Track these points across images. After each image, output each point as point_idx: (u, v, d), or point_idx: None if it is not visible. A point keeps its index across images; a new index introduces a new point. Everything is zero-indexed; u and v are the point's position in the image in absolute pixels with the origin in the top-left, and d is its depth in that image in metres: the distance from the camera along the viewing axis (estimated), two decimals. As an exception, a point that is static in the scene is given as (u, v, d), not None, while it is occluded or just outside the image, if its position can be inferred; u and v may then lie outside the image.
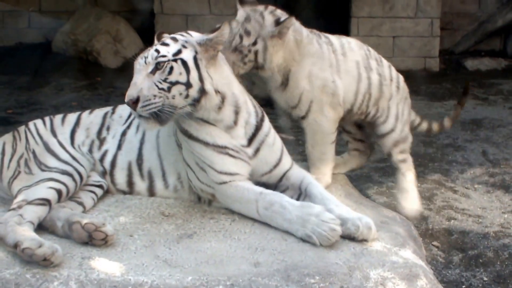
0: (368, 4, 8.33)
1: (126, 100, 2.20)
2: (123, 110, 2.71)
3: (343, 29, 8.28)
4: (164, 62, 2.21)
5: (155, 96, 2.19)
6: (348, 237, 2.23)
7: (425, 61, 8.47)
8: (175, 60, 2.23)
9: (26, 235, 2.06)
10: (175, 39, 2.31)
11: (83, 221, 2.16)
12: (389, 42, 8.39)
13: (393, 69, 3.09)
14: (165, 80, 2.21)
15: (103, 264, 2.05)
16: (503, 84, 7.93)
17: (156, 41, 2.40)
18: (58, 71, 8.03)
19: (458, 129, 6.15)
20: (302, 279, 1.98)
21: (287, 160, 2.53)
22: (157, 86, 2.20)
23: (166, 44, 2.28)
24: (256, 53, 2.58)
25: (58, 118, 2.72)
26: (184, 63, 2.23)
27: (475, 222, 4.07)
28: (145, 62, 2.22)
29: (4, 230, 2.10)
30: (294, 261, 2.09)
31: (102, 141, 2.63)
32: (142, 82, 2.20)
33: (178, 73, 2.22)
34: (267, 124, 2.49)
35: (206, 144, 2.36)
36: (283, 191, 2.49)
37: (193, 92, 2.25)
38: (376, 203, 3.14)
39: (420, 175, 4.95)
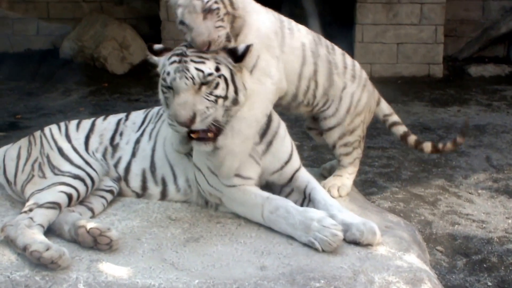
0: (373, 11, 8.36)
1: (181, 120, 2.20)
2: (136, 116, 2.78)
3: (347, 36, 8.33)
4: (211, 79, 2.26)
5: (208, 108, 2.25)
6: (353, 242, 2.25)
7: (429, 67, 8.49)
8: (219, 76, 2.29)
9: (35, 238, 2.09)
10: (203, 57, 2.30)
11: (88, 225, 2.19)
12: (393, 49, 8.42)
13: (347, 56, 2.92)
14: (211, 94, 2.27)
15: (111, 267, 2.08)
16: (506, 91, 7.94)
17: (149, 54, 2.42)
18: (66, 77, 8.11)
19: (462, 135, 6.16)
20: (308, 283, 2.00)
21: (296, 159, 2.57)
22: (206, 99, 2.26)
23: (202, 62, 2.28)
24: (222, 1, 2.37)
25: (73, 123, 2.77)
26: (225, 79, 2.31)
27: (479, 227, 4.08)
28: (193, 82, 2.24)
29: (15, 232, 2.13)
30: (300, 265, 2.11)
31: (115, 147, 2.69)
32: (192, 99, 2.24)
33: (222, 88, 2.29)
34: (276, 117, 2.55)
35: None
36: (288, 194, 2.53)
37: (228, 102, 2.32)
38: (380, 208, 3.15)
39: (424, 181, 4.97)
